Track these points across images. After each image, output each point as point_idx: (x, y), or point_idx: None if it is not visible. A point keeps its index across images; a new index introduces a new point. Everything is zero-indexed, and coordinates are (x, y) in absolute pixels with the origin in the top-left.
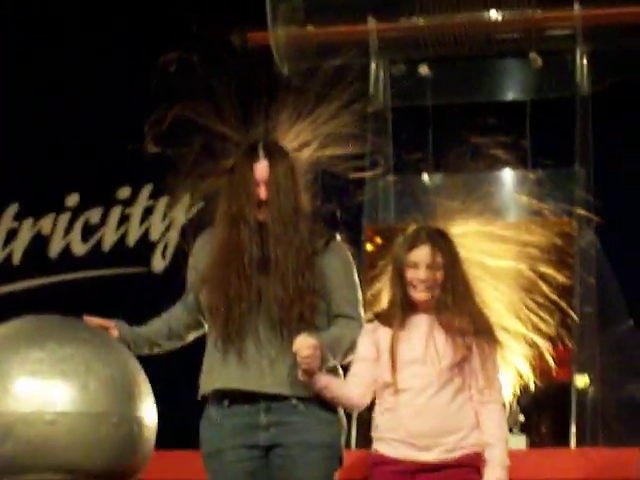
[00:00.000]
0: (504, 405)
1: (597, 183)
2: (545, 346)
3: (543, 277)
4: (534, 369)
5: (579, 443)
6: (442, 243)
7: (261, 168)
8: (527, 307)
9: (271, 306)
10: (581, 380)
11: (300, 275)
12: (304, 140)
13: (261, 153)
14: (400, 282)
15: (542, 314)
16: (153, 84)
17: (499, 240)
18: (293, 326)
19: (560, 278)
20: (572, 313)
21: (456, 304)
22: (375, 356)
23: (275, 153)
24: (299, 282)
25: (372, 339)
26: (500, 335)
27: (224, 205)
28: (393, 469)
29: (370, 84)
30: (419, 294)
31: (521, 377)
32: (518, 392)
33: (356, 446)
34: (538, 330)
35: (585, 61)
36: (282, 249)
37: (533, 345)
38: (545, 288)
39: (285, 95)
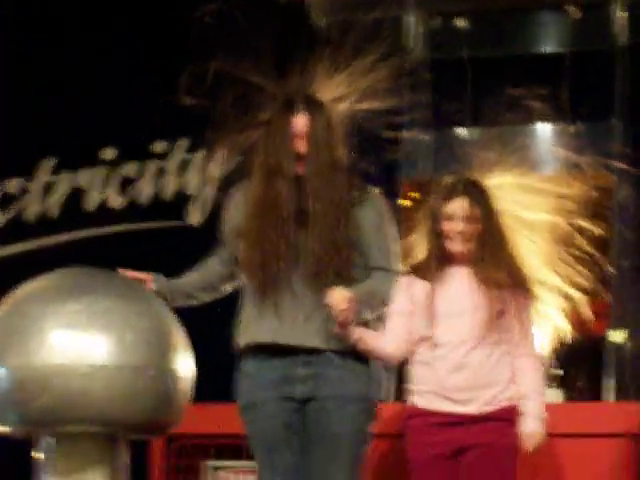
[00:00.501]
0: (540, 357)
1: (635, 136)
2: (581, 300)
3: (580, 230)
4: (571, 322)
5: (616, 397)
6: (479, 195)
7: (300, 121)
8: (563, 260)
9: (308, 260)
10: (618, 334)
11: (337, 229)
12: (341, 93)
13: (299, 106)
14: (436, 234)
15: (578, 267)
16: (191, 37)
17: (535, 193)
18: (329, 280)
19: (597, 231)
20: (609, 267)
21: (493, 257)
22: (410, 309)
23: (313, 106)
24: (336, 236)
25: (407, 293)
26: (536, 288)
27: (260, 158)
28: (428, 421)
29: (407, 37)
30: (455, 246)
31: (557, 330)
32: (555, 345)
33: (394, 399)
34: (574, 283)
35: (623, 13)
36: (320, 203)
37: (569, 298)
38: (582, 241)
39: (322, 48)
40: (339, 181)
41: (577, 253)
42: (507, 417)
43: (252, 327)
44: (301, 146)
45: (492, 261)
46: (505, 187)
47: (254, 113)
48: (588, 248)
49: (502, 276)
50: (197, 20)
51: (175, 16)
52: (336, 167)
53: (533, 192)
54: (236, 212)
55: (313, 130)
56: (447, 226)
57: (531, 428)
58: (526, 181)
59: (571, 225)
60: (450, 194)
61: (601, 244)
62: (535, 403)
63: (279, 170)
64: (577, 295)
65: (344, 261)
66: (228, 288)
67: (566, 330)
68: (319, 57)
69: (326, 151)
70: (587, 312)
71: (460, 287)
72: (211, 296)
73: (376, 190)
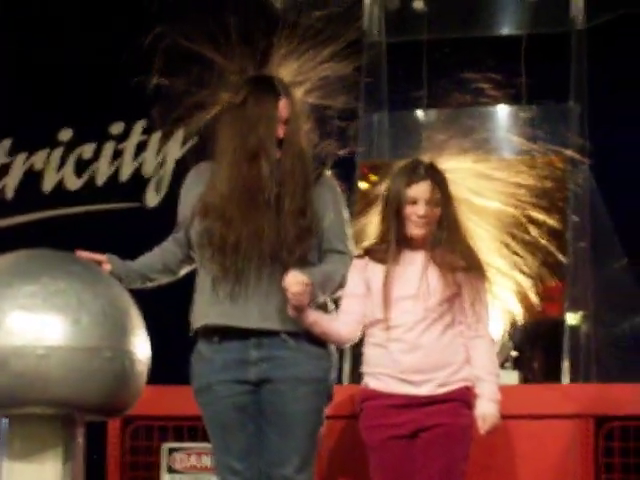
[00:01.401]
0: (493, 340)
1: (591, 119)
2: (528, 285)
3: (530, 218)
4: (524, 305)
5: (571, 379)
6: (439, 178)
7: (283, 106)
8: (508, 247)
9: (273, 244)
10: (574, 317)
11: (305, 214)
12: (300, 77)
13: (280, 90)
14: (396, 217)
15: (522, 254)
16: (149, 17)
17: (488, 179)
18: (286, 262)
19: (549, 220)
20: (557, 253)
21: (449, 240)
22: (365, 292)
23: (290, 91)
24: (304, 222)
25: (362, 275)
26: (490, 272)
27: (233, 139)
28: (383, 403)
29: (364, 19)
30: (417, 230)
31: (511, 313)
32: (509, 327)
33: (349, 381)
34: (520, 269)
35: None
36: (293, 188)
37: (516, 284)
38: (533, 228)
39: (279, 30)
40: (308, 165)
41: (528, 239)
42: (462, 398)
43: (206, 309)
44: (281, 131)
45: (448, 245)
46: (459, 172)
47: (211, 92)
48: (538, 234)
49: (457, 259)
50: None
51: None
52: (304, 151)
53: (486, 178)
54: (196, 194)
55: (291, 116)
56: (409, 209)
57: (485, 410)
58: (480, 167)
59: (523, 212)
60: (412, 177)
61: (553, 230)
62: (489, 385)
63: (262, 152)
64: (523, 280)
65: (308, 247)
66: (184, 270)
67: (520, 313)
68: (276, 40)
69: (299, 136)
70: (539, 296)
71: (415, 270)
72: (167, 278)
73: (329, 172)
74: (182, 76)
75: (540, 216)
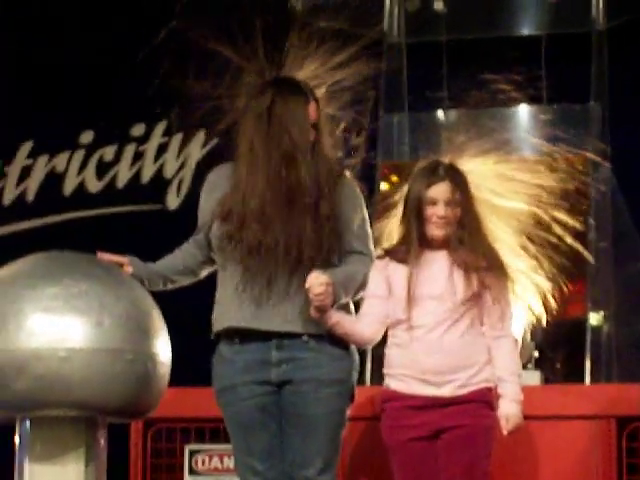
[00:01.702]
0: (516, 340)
1: (612, 119)
2: (549, 286)
3: (553, 218)
4: (546, 305)
5: (593, 380)
6: (459, 179)
7: (312, 110)
8: (529, 248)
9: (313, 247)
10: (596, 317)
11: (332, 217)
12: (318, 83)
13: (309, 94)
14: (417, 218)
15: (543, 254)
16: (168, 16)
17: (509, 180)
18: (309, 264)
19: (571, 221)
20: (584, 252)
21: (470, 240)
22: (387, 293)
23: (314, 94)
24: (334, 224)
25: (383, 275)
26: (512, 272)
27: (264, 141)
28: (405, 404)
29: (385, 19)
30: (437, 231)
31: (533, 313)
32: (531, 327)
33: (371, 382)
34: (541, 270)
35: None
36: (326, 190)
37: (537, 284)
38: (556, 228)
39: (299, 32)
40: (331, 167)
41: (550, 239)
42: (484, 399)
43: (229, 312)
44: (312, 134)
45: (470, 245)
46: (479, 173)
47: (231, 93)
48: (562, 234)
49: (479, 259)
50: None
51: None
52: (328, 154)
53: (507, 179)
54: (216, 197)
55: (320, 119)
56: (430, 210)
57: (508, 410)
58: (500, 168)
59: (545, 213)
60: (432, 178)
61: (575, 231)
62: (512, 385)
63: (299, 155)
64: (548, 280)
65: (333, 249)
66: (205, 272)
67: (542, 313)
68: (296, 42)
69: (324, 138)
70: (561, 296)
71: (437, 270)
72: (188, 280)
73: (349, 173)
74: (201, 77)
75: (562, 217)
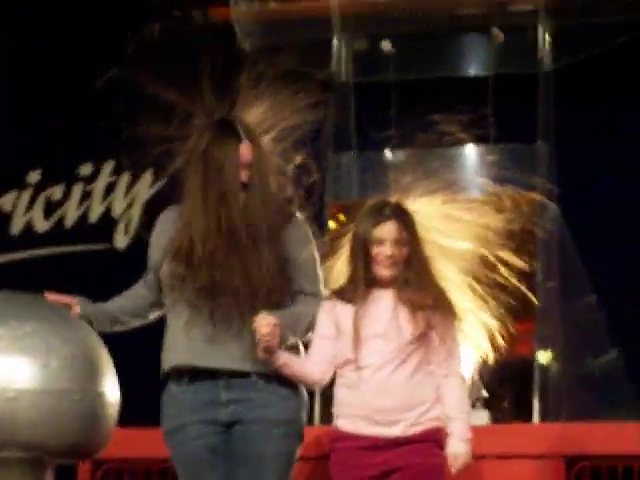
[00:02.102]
0: (464, 379)
1: (559, 159)
2: (496, 325)
3: (500, 259)
4: (494, 345)
5: (542, 418)
6: (406, 218)
7: (245, 150)
8: (476, 287)
9: (243, 286)
10: (544, 355)
11: (278, 259)
12: (267, 121)
13: (242, 134)
14: (364, 258)
15: (490, 294)
16: (115, 61)
17: (456, 220)
18: (257, 304)
19: (517, 261)
20: (527, 293)
21: (417, 279)
22: (335, 333)
23: (254, 135)
24: (277, 266)
25: (331, 316)
26: (459, 311)
27: (200, 183)
28: (353, 444)
29: (333, 60)
30: (384, 270)
31: (480, 352)
32: (479, 367)
33: (319, 422)
34: (488, 310)
35: (547, 37)
36: (264, 231)
37: (484, 324)
38: (502, 269)
39: (247, 73)
40: (277, 208)
41: (496, 279)
42: (434, 438)
43: (174, 350)
44: (244, 175)
45: (417, 284)
46: (426, 212)
47: (181, 135)
48: (508, 274)
49: (426, 298)
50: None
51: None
52: (272, 195)
53: (453, 219)
54: (166, 236)
55: (255, 160)
56: (376, 250)
57: (456, 449)
58: (447, 208)
59: (491, 253)
60: (379, 218)
61: (522, 271)
62: (460, 424)
63: (230, 197)
64: (496, 319)
65: (281, 292)
66: (154, 315)
67: (490, 352)
68: (244, 82)
69: (265, 179)
70: (508, 335)
71: (384, 309)
72: (137, 322)
73: (299, 214)
74: (150, 119)
75: (509, 257)
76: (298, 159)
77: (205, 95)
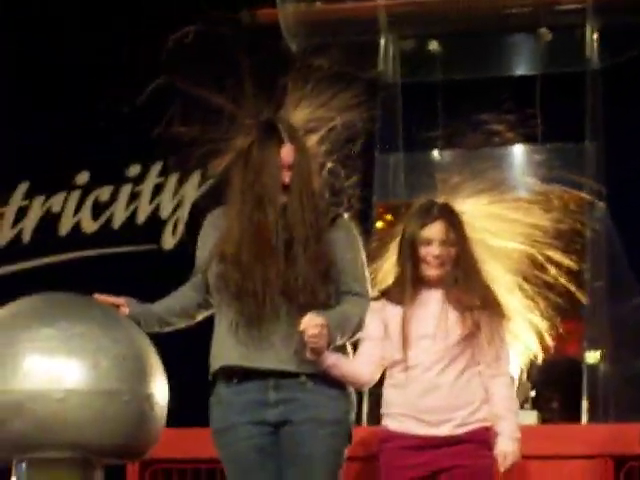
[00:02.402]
0: (512, 378)
1: (607, 158)
2: (545, 325)
3: (548, 258)
4: (542, 345)
5: (590, 419)
6: (453, 218)
7: (287, 152)
8: (524, 287)
9: (284, 290)
10: (592, 356)
11: (324, 259)
12: (314, 121)
13: (284, 136)
14: (412, 258)
15: (539, 294)
16: (162, 62)
17: (504, 220)
18: (304, 306)
19: (566, 260)
20: (576, 293)
21: (465, 279)
22: (383, 334)
23: (297, 136)
24: (323, 267)
25: (380, 317)
26: (508, 310)
27: (241, 185)
28: (403, 444)
29: (379, 61)
30: (432, 270)
31: (529, 352)
32: (527, 367)
33: (367, 423)
34: (537, 310)
35: (595, 36)
36: (305, 233)
37: (533, 324)
38: (550, 268)
39: (294, 73)
40: (319, 210)
41: (545, 279)
42: (482, 439)
43: (225, 351)
44: (286, 176)
45: (465, 284)
46: (473, 213)
47: (227, 136)
48: (557, 274)
49: (474, 298)
50: (169, 42)
51: (146, 38)
52: (315, 196)
53: (501, 219)
54: (214, 238)
55: (297, 161)
56: (424, 250)
57: (505, 448)
58: (494, 208)
59: (539, 252)
60: (426, 218)
61: (571, 270)
62: (508, 423)
63: (267, 199)
64: (544, 319)
65: (329, 291)
66: (201, 315)
67: (539, 352)
68: (291, 82)
69: (307, 181)
70: (557, 335)
71: (432, 310)
72: (185, 322)
73: (346, 215)
74: (198, 121)
75: (557, 256)
76: (344, 160)
77: (250, 96)
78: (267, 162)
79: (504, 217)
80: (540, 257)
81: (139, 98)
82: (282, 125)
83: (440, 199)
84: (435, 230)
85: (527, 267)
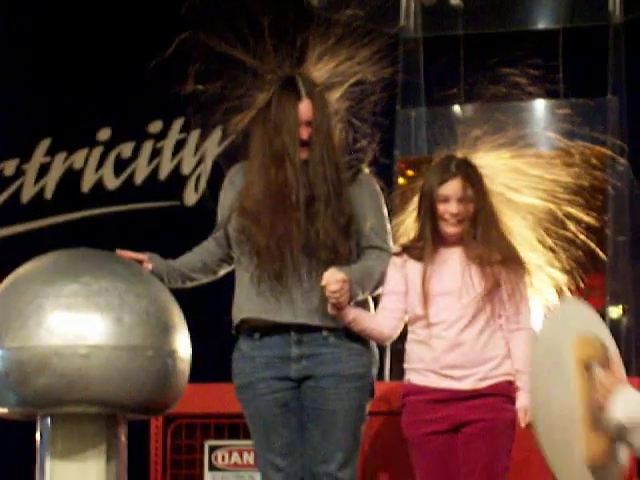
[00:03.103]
0: (534, 332)
1: (630, 113)
2: (565, 279)
3: (568, 214)
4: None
5: None
6: (472, 175)
7: (305, 108)
8: (545, 242)
9: (305, 246)
10: (615, 310)
11: (344, 214)
12: (335, 77)
13: (303, 92)
14: (430, 215)
15: (560, 248)
16: (183, 18)
17: (524, 175)
18: (325, 261)
19: (586, 216)
20: (597, 249)
21: (484, 236)
22: (404, 289)
23: (315, 92)
24: (343, 221)
25: (401, 272)
26: (528, 265)
27: (261, 141)
28: (425, 398)
29: (401, 14)
30: (450, 228)
31: (550, 306)
32: None
33: (390, 378)
34: (557, 264)
35: None
36: (326, 189)
37: (554, 278)
38: (570, 224)
39: (315, 28)
40: (340, 165)
41: (565, 234)
42: (504, 392)
43: (246, 304)
44: (305, 132)
45: (484, 240)
46: (494, 167)
47: (248, 92)
48: (577, 230)
49: (494, 254)
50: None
51: None
52: (336, 151)
53: (522, 173)
54: (234, 193)
55: (316, 117)
56: (442, 208)
57: (525, 403)
58: (515, 162)
59: (560, 208)
60: (444, 175)
61: (591, 226)
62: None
63: (287, 155)
64: (565, 274)
65: (352, 246)
66: (224, 270)
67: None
68: (313, 36)
69: (328, 137)
70: (579, 290)
71: (453, 266)
72: (207, 277)
73: (367, 169)
74: (219, 77)
75: (578, 212)
76: (366, 115)
77: (271, 52)
78: (285, 118)
79: (524, 172)
80: (560, 213)
81: (160, 55)
82: (301, 81)
83: (459, 154)
84: (452, 187)
85: (547, 222)
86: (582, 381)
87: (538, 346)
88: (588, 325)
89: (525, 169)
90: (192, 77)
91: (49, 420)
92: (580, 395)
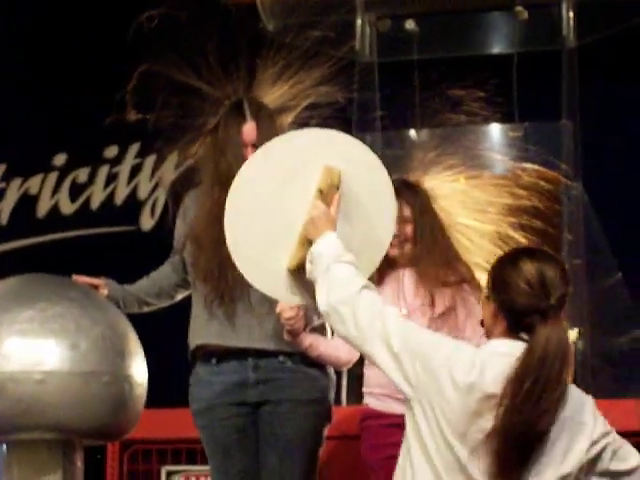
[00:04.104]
0: None
1: (583, 137)
2: None
3: (524, 237)
4: None
5: None
6: (409, 195)
7: (249, 130)
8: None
9: None
10: (570, 334)
11: None
12: (286, 101)
13: (248, 114)
14: None
15: None
16: (133, 42)
17: (479, 198)
18: None
19: (542, 238)
20: None
21: (429, 255)
22: None
23: (262, 114)
24: None
25: None
26: (480, 281)
27: (210, 165)
28: (383, 422)
29: (356, 39)
30: (392, 250)
31: None
32: None
33: (347, 402)
34: None
35: (571, 14)
36: None
37: None
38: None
39: (269, 52)
40: None
41: None
42: None
43: (202, 331)
44: (250, 154)
45: (429, 259)
46: (448, 190)
47: (202, 118)
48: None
49: (442, 273)
50: (142, 22)
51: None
52: None
53: (476, 197)
54: (187, 219)
55: (261, 139)
56: None
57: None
58: (469, 185)
59: (515, 231)
60: None
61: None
62: None
63: (231, 177)
64: None
65: None
66: (180, 295)
67: None
68: (266, 61)
69: None
70: None
71: (403, 289)
72: (164, 302)
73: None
74: (172, 103)
75: (531, 236)
76: None
77: (221, 77)
78: (230, 140)
79: (478, 195)
80: (515, 235)
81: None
82: (247, 103)
83: (404, 177)
84: None
85: (502, 246)
86: (313, 201)
87: (296, 149)
88: (346, 162)
89: (480, 192)
90: (148, 103)
91: (5, 447)
92: (305, 213)
